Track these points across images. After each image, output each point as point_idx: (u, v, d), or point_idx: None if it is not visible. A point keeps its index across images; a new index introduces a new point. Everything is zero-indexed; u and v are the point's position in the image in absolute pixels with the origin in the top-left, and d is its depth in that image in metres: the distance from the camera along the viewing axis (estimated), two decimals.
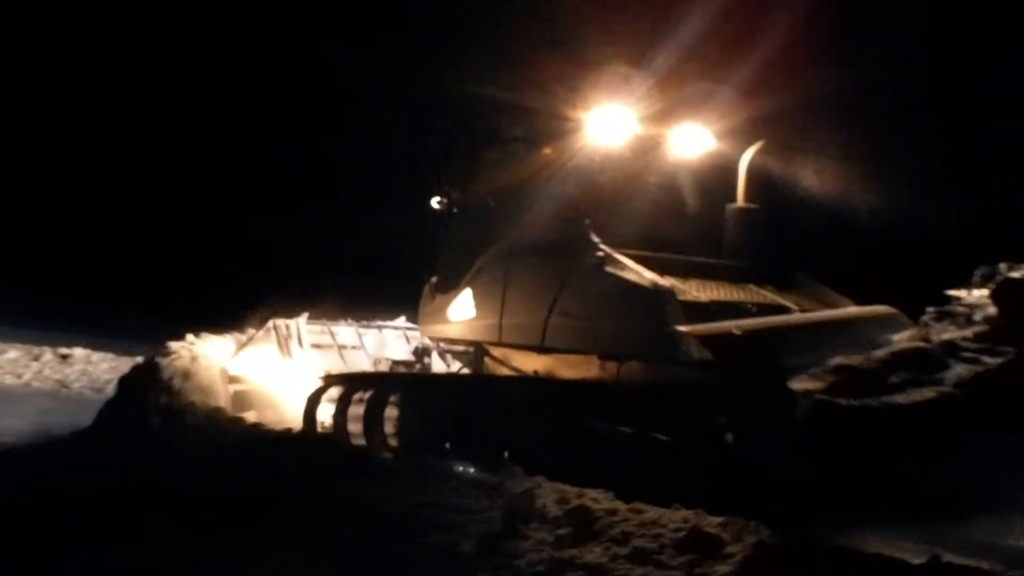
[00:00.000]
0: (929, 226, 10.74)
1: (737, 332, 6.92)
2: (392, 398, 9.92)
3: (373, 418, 9.81)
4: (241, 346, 10.99)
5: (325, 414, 9.96)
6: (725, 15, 11.22)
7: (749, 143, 10.37)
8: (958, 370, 6.40)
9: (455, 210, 10.61)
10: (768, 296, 9.65)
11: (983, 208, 10.94)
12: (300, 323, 11.48)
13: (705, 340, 7.17)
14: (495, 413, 8.90)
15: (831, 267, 10.16)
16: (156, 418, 9.43)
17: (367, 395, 9.93)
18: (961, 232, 10.55)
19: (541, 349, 9.26)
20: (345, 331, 12.14)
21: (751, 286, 9.90)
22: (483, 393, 9.41)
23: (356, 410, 9.92)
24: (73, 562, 5.89)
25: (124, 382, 10.35)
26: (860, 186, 10.07)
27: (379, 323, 12.60)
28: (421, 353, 11.78)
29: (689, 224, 10.30)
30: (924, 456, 6.20)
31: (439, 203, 10.66)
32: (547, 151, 9.62)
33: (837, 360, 6.51)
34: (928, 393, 6.14)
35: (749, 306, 9.08)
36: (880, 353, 6.66)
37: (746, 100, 10.54)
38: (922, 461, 6.23)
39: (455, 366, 11.19)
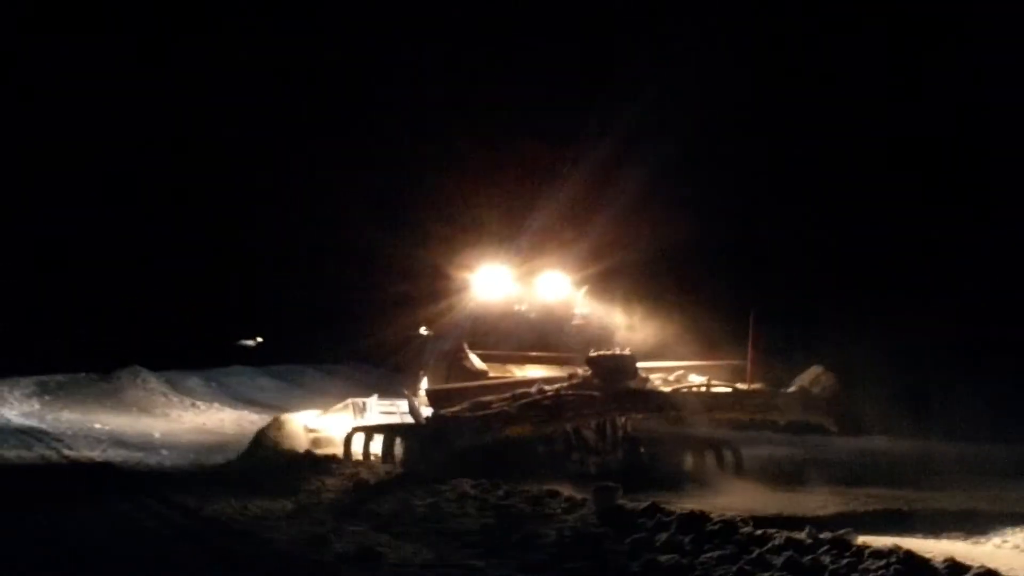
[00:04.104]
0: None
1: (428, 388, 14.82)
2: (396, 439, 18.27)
3: (386, 448, 18.09)
4: (323, 413, 19.83)
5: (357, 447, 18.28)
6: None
7: (584, 285, 18.21)
8: (531, 400, 14.09)
9: (429, 333, 19.06)
10: (576, 372, 17.16)
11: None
12: (372, 399, 20.05)
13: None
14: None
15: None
16: (265, 450, 18.33)
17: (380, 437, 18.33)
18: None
19: None
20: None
21: (574, 368, 17.50)
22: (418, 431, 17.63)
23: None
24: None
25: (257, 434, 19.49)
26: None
27: None
28: None
29: (546, 334, 18.13)
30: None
31: (423, 330, 19.16)
32: (451, 301, 17.95)
33: (482, 399, 14.31)
34: (480, 412, 13.86)
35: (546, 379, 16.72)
36: (507, 395, 14.38)
37: (586, 259, 18.43)
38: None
39: None
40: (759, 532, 8.95)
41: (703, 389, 15.53)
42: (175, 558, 9.91)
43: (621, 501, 10.06)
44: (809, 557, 8.18)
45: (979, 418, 18.24)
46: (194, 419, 28.68)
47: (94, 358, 35.83)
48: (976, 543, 11.38)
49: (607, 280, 17.98)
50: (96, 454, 19.21)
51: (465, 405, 14.22)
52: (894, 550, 7.85)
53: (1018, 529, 12.02)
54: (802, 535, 8.81)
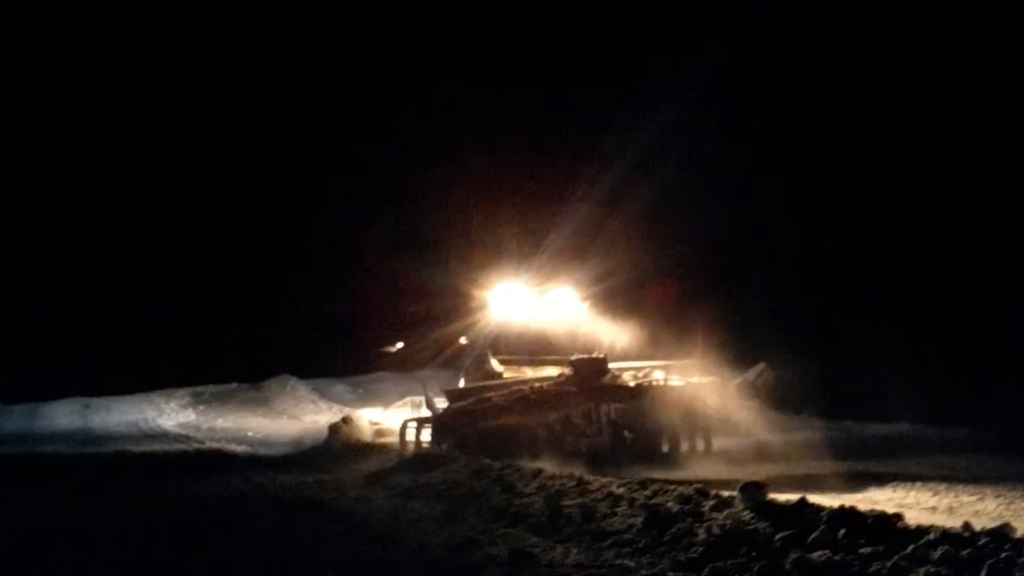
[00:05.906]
0: None
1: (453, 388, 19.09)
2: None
3: (436, 436, 22.28)
4: (385, 409, 24.32)
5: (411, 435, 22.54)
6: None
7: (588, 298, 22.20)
8: (520, 394, 18.23)
9: (467, 343, 23.30)
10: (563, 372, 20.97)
11: None
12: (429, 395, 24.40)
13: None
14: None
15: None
16: (337, 440, 22.82)
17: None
18: None
19: None
20: None
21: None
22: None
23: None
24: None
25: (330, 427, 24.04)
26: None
27: None
28: None
29: (558, 340, 22.12)
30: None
31: (464, 340, 23.42)
32: (478, 317, 22.15)
33: (485, 394, 18.48)
34: (499, 402, 17.99)
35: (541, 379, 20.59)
36: (505, 392, 18.52)
37: (592, 277, 22.41)
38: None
39: None
40: (914, 527, 8.78)
41: (662, 383, 19.43)
42: (247, 506, 14.43)
43: (771, 497, 10.06)
44: (967, 551, 7.97)
45: (910, 405, 21.70)
46: None
47: (244, 368, 39.19)
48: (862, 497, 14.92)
49: (605, 297, 21.90)
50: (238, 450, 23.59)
51: (471, 400, 18.41)
52: None
53: (888, 487, 15.61)
54: (958, 528, 8.76)
